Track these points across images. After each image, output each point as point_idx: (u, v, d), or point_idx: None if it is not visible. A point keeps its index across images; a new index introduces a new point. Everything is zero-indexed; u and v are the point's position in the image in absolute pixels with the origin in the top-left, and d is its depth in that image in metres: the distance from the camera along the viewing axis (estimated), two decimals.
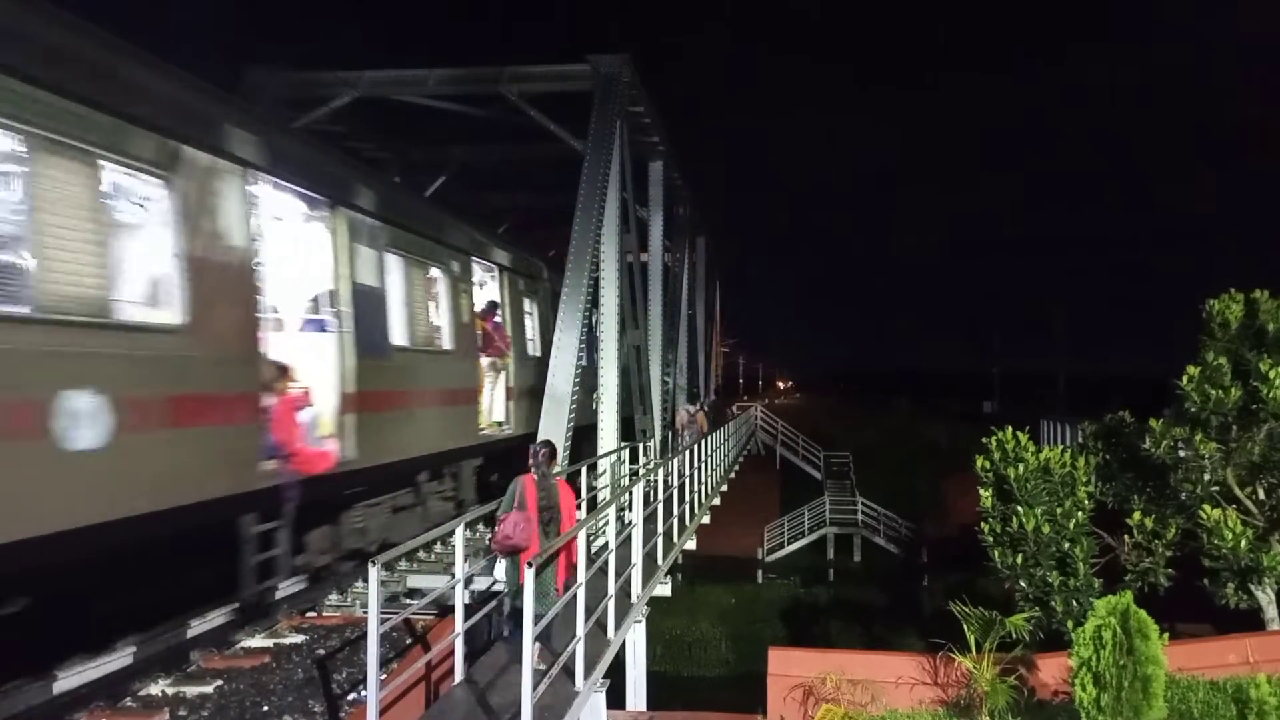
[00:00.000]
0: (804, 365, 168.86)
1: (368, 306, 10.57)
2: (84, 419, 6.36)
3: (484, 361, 14.52)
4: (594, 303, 14.84)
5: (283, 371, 9.11)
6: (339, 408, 10.04)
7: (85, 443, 6.36)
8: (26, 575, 6.08)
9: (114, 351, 6.72)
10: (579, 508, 8.13)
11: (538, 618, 6.36)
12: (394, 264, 11.44)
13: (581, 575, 7.17)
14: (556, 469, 8.31)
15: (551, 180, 21.95)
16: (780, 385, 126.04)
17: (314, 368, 9.91)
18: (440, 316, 12.97)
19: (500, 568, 7.60)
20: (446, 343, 13.06)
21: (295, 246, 10.16)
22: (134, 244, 7.30)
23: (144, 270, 7.39)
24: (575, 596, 6.93)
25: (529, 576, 5.95)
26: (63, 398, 6.20)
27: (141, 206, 7.43)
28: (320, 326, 10.26)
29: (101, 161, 6.72)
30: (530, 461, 7.72)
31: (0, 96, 5.88)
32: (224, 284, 8.06)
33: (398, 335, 11.41)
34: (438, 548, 12.97)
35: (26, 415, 5.99)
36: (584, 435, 15.29)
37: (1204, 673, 9.53)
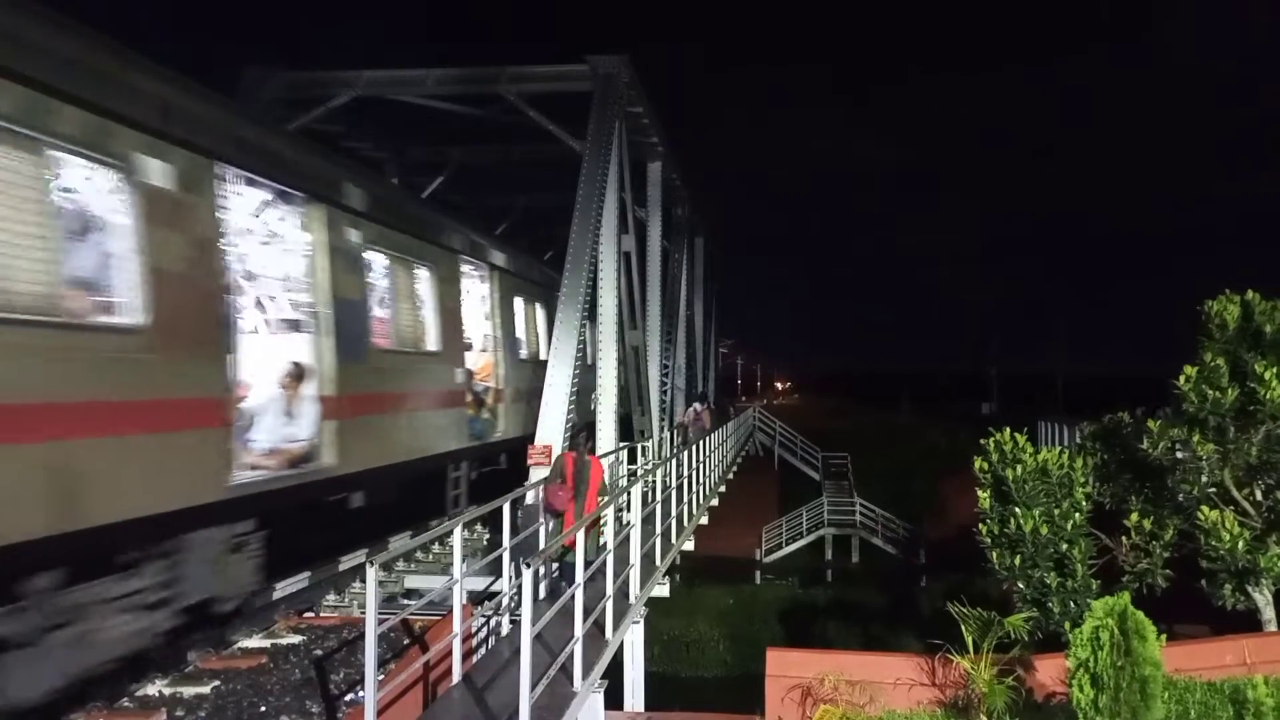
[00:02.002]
0: (803, 366, 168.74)
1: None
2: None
3: None
4: (592, 302, 14.85)
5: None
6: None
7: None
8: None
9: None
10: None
11: (575, 568, 7.58)
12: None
13: (571, 563, 7.19)
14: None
15: (550, 180, 21.95)
16: (779, 386, 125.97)
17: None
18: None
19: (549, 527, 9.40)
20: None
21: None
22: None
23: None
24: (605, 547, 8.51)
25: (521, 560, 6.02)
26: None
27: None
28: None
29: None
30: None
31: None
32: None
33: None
34: (435, 548, 12.97)
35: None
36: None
37: (1201, 674, 9.52)
